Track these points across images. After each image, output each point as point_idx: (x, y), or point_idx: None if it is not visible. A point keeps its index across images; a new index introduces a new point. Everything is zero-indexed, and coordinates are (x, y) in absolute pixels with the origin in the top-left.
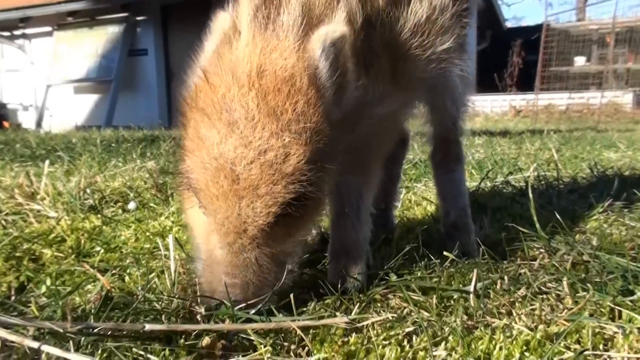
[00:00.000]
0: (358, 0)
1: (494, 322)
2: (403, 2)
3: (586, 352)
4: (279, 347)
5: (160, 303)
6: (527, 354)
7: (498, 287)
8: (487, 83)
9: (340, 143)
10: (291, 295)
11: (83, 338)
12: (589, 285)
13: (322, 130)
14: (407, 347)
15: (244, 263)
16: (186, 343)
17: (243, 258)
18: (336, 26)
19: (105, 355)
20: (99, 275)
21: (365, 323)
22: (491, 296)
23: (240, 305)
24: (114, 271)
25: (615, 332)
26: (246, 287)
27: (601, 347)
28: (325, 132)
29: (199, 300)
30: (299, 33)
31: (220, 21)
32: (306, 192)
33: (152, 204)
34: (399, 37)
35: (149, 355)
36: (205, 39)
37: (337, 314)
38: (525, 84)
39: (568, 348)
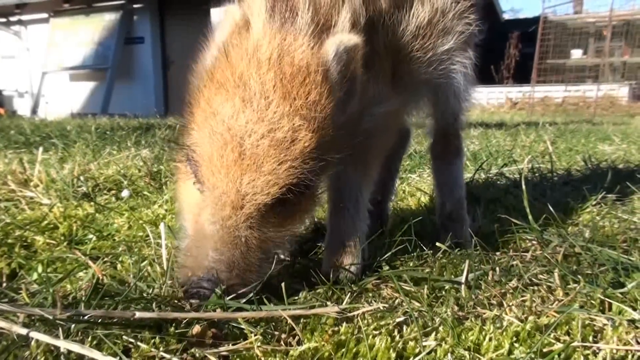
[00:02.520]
0: (362, 2)
1: (484, 313)
2: (405, 5)
3: (575, 344)
4: (270, 336)
5: (151, 291)
6: (516, 344)
7: (489, 278)
8: (484, 75)
9: (341, 143)
10: (282, 284)
11: (73, 325)
12: (580, 277)
13: (328, 125)
14: (398, 337)
15: (234, 241)
16: (176, 331)
17: (234, 236)
18: (351, 35)
19: (95, 342)
20: (90, 263)
21: (356, 313)
22: (482, 287)
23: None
24: (106, 259)
25: (605, 324)
26: (231, 267)
27: (590, 338)
28: (330, 128)
29: (178, 274)
30: (312, 32)
31: (231, 13)
32: (306, 180)
33: (145, 192)
34: (401, 39)
35: (138, 343)
36: (213, 29)
37: (328, 303)
38: (521, 76)
39: (557, 339)
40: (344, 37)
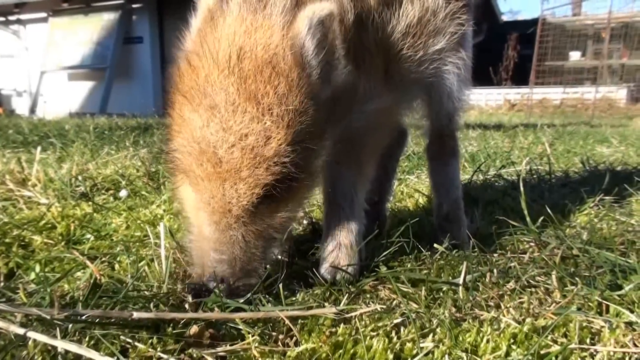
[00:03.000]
0: None
1: (482, 315)
2: (395, 3)
3: (573, 346)
4: (267, 337)
5: (149, 291)
6: (514, 346)
7: (487, 279)
8: (482, 76)
9: (327, 125)
10: (280, 285)
11: (70, 325)
12: (577, 279)
13: (305, 111)
14: (395, 339)
15: (231, 240)
16: (174, 331)
17: (230, 235)
18: (324, 4)
19: (92, 342)
20: (88, 263)
21: (353, 314)
22: (480, 289)
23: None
24: (103, 259)
25: (602, 326)
26: (233, 263)
27: (588, 340)
28: (309, 113)
29: (186, 287)
30: (287, 13)
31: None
32: (290, 173)
33: (143, 192)
34: (390, 37)
35: (136, 343)
36: (192, 17)
37: (326, 304)
38: (520, 78)
39: (555, 341)
40: (315, 6)
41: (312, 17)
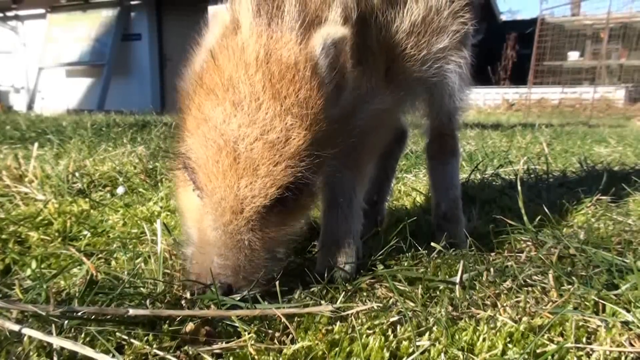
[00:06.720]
0: None
1: (478, 314)
2: (399, 1)
3: (569, 345)
4: (263, 334)
5: (145, 288)
6: (510, 345)
7: (484, 278)
8: (481, 76)
9: (336, 137)
10: (277, 283)
11: (66, 322)
12: (574, 278)
13: (321, 120)
14: (391, 337)
15: (237, 245)
16: (170, 328)
17: (237, 240)
18: (338, 27)
19: (88, 339)
20: (84, 259)
21: (350, 312)
22: (477, 288)
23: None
24: (100, 255)
25: (599, 326)
26: (237, 270)
27: (584, 340)
28: (323, 123)
29: (184, 285)
30: (299, 28)
31: (220, 15)
32: (304, 177)
33: (141, 189)
34: (394, 36)
35: (132, 340)
36: (203, 32)
37: (322, 302)
38: (518, 78)
39: (551, 340)
40: (330, 29)
41: (327, 37)
